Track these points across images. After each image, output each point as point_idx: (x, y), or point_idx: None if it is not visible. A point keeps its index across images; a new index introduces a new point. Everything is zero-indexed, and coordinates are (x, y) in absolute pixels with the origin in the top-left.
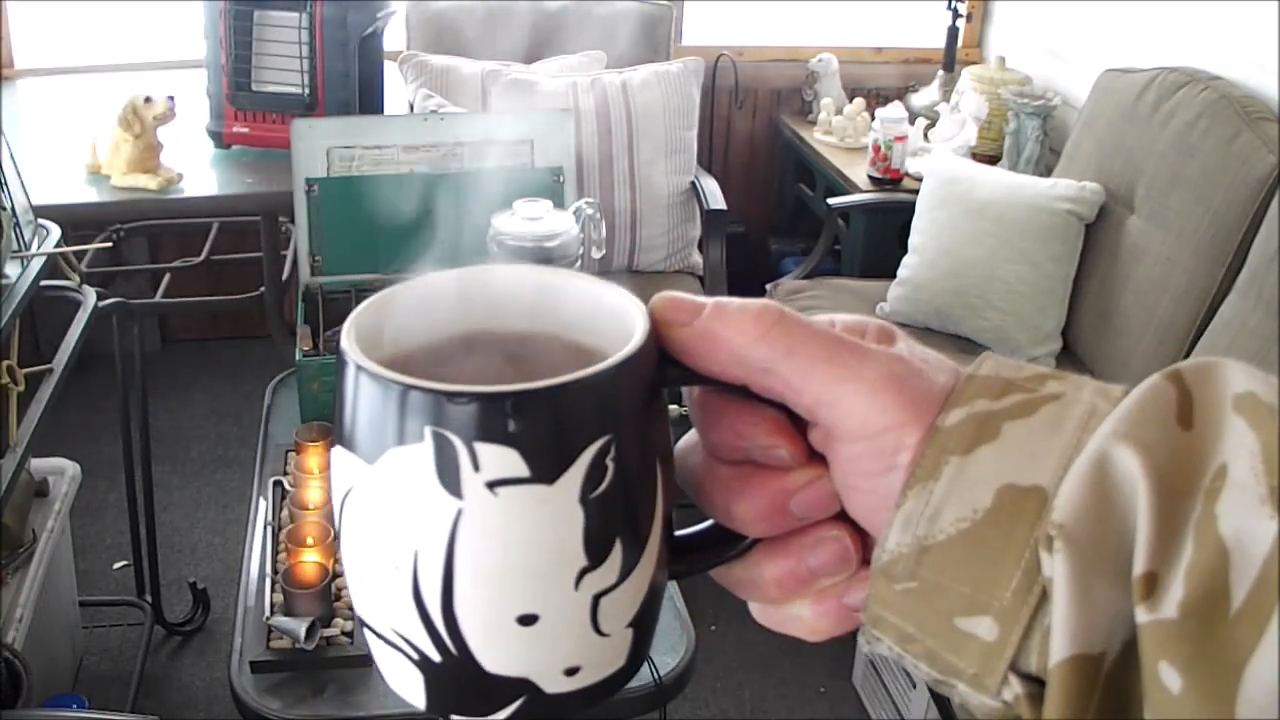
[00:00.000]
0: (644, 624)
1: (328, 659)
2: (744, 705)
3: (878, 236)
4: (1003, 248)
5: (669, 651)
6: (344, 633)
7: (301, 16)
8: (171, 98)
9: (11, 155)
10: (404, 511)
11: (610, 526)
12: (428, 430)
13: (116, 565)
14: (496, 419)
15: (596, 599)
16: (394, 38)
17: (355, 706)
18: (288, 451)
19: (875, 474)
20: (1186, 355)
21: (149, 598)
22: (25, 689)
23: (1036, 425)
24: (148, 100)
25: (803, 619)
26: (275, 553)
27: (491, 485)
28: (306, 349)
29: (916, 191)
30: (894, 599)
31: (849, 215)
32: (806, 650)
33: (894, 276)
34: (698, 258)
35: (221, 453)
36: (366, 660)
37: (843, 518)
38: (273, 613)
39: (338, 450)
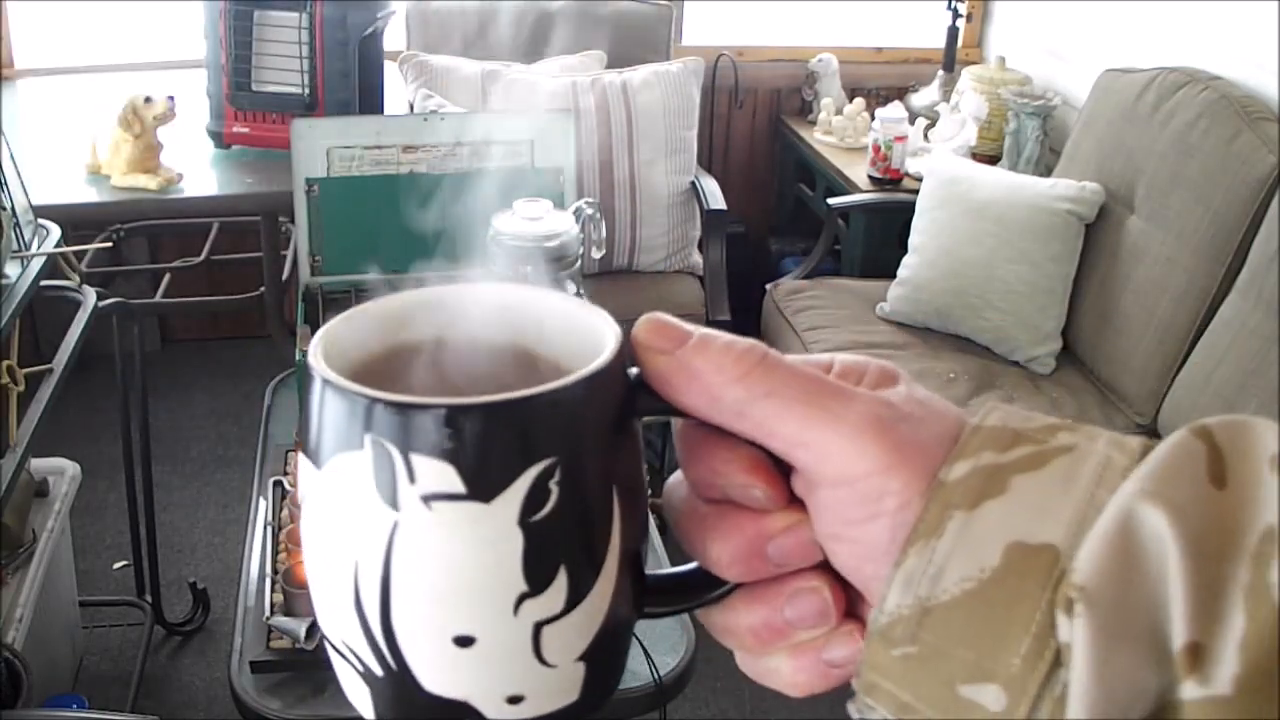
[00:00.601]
0: (599, 659)
1: (328, 659)
2: (744, 705)
3: (878, 236)
4: (1003, 248)
5: (669, 651)
6: None
7: (301, 16)
8: (171, 98)
9: (11, 155)
10: (346, 520)
11: (553, 553)
12: (367, 438)
13: (116, 565)
14: (432, 431)
15: (539, 627)
16: (394, 38)
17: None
18: (288, 451)
19: (858, 522)
20: (1187, 355)
21: (149, 598)
22: (25, 689)
23: (1047, 479)
24: (148, 100)
25: (780, 672)
26: (275, 553)
27: (426, 499)
28: (306, 349)
29: (916, 191)
30: (891, 665)
31: (849, 215)
32: None
33: (894, 276)
34: (698, 258)
35: (221, 453)
36: None
37: (824, 568)
38: (273, 613)
39: (300, 456)
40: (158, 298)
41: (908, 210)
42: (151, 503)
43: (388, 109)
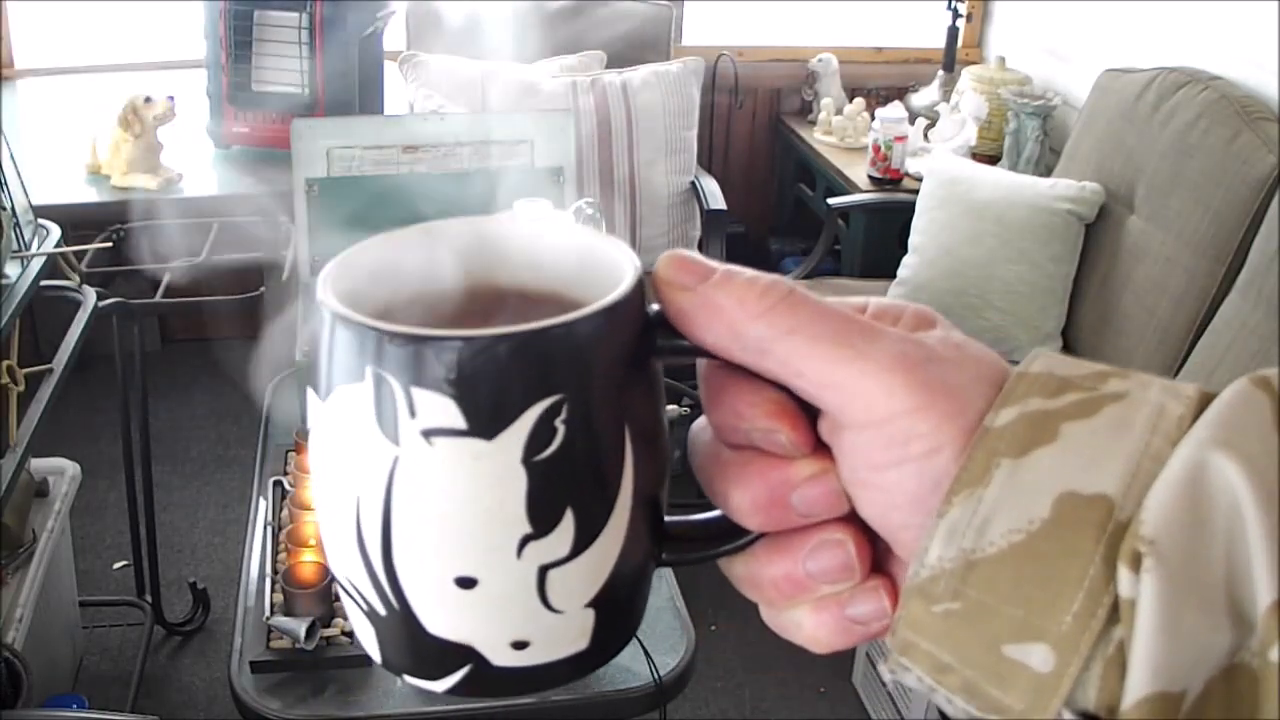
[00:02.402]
0: (610, 606)
1: (328, 659)
2: (744, 705)
3: (878, 236)
4: (1003, 248)
5: (669, 651)
6: (344, 633)
7: (301, 16)
8: (171, 98)
9: (11, 155)
10: (348, 454)
11: (559, 494)
12: (368, 369)
13: (116, 565)
14: (433, 365)
15: (544, 570)
16: (394, 38)
17: (355, 706)
18: (288, 451)
19: (884, 466)
20: (1186, 355)
21: (149, 598)
22: (25, 689)
23: (1099, 426)
24: (148, 100)
25: (802, 627)
26: (275, 553)
27: (427, 434)
28: (307, 349)
29: (916, 191)
30: (930, 623)
31: (849, 215)
32: (807, 650)
33: (894, 276)
34: None
35: (221, 453)
36: (366, 660)
37: (850, 520)
38: (273, 613)
39: (308, 390)
40: (158, 298)
41: (908, 210)
42: (151, 503)
43: (388, 109)
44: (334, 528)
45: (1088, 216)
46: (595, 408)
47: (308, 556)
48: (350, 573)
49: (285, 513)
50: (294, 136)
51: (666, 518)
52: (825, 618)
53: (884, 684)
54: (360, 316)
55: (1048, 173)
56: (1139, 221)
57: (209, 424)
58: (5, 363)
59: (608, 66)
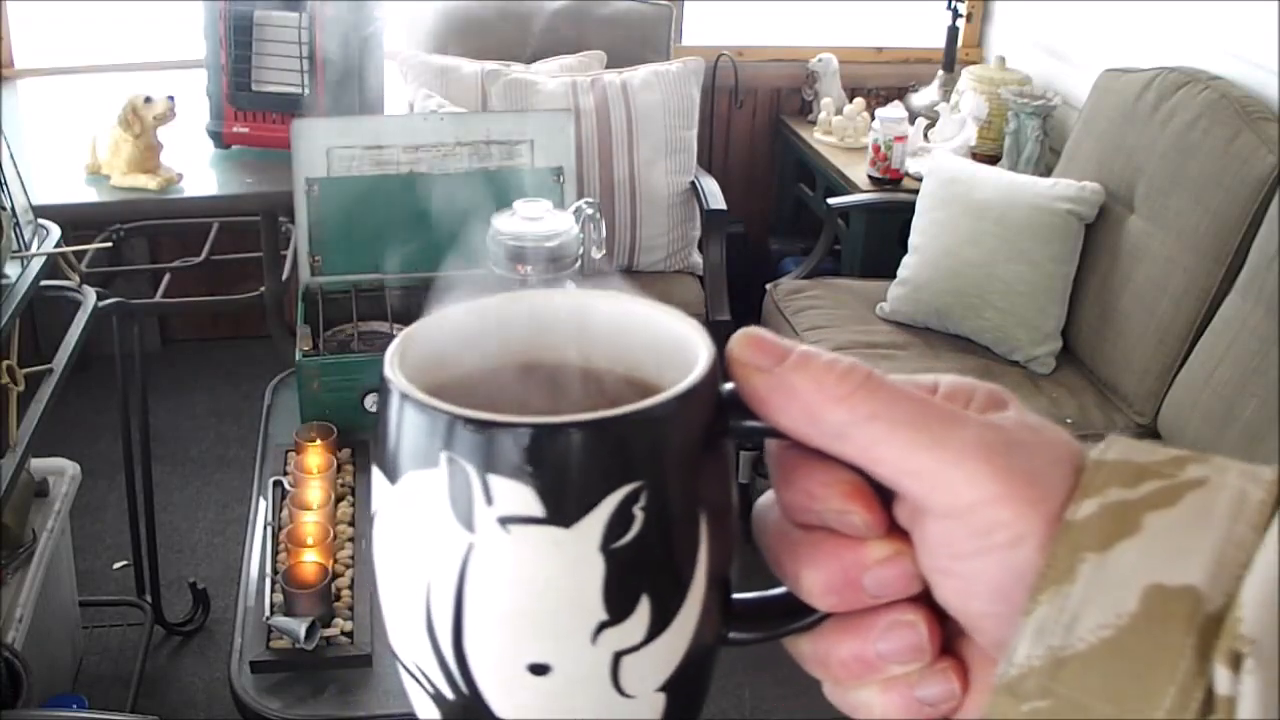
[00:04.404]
0: (681, 690)
1: (328, 659)
2: (744, 705)
3: (878, 236)
4: (1003, 248)
5: None
6: (344, 633)
7: (301, 16)
8: (171, 98)
9: (11, 155)
10: (419, 539)
11: (636, 581)
12: (442, 456)
13: (116, 565)
14: (511, 451)
15: (618, 657)
16: (394, 38)
17: (355, 706)
18: (288, 451)
19: (968, 556)
20: (1187, 355)
21: (149, 598)
22: (25, 689)
23: (1181, 516)
24: (148, 100)
25: (871, 707)
26: (275, 553)
27: (503, 521)
28: (306, 349)
29: (916, 191)
30: None
31: (849, 215)
32: None
33: (894, 276)
34: (698, 258)
35: (221, 453)
36: (366, 660)
37: (920, 600)
38: (273, 613)
39: (374, 468)
40: (158, 298)
41: (908, 210)
42: (151, 503)
43: (388, 109)
44: (401, 611)
45: (1088, 216)
46: (672, 493)
47: (308, 556)
48: (417, 657)
49: (285, 513)
50: (294, 136)
51: (734, 595)
52: (894, 698)
53: None
54: (437, 402)
55: (1048, 173)
56: (1139, 221)
57: (209, 424)
58: (5, 363)
59: (608, 66)
